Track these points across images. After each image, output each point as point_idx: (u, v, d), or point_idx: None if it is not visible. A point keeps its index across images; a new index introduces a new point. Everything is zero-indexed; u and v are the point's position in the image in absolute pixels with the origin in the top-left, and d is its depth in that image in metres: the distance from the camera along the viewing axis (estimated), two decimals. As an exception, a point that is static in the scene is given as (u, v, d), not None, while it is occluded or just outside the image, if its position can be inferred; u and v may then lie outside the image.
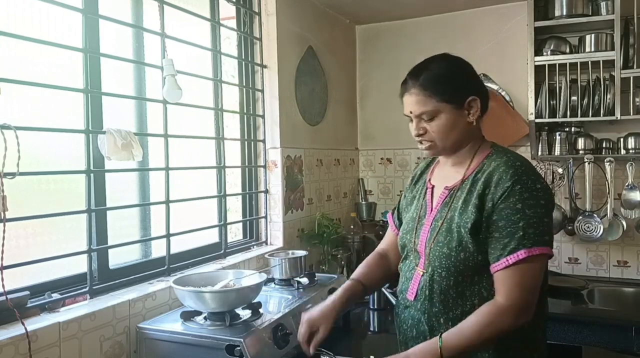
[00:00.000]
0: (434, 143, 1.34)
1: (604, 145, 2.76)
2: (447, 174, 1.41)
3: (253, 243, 2.47)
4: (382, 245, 1.64)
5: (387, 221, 1.72)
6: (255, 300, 1.67)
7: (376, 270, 1.56)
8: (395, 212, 1.62)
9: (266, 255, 2.15)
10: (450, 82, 1.32)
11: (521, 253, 1.19)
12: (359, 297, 1.49)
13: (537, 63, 2.73)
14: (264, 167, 2.52)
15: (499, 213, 1.23)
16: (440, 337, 1.22)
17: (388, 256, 1.60)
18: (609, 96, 2.60)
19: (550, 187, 2.76)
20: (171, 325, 1.60)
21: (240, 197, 2.48)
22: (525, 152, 2.90)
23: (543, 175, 2.76)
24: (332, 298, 1.45)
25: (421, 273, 1.35)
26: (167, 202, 1.88)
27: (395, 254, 1.56)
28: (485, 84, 2.89)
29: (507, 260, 1.20)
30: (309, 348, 1.39)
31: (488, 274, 1.26)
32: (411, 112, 1.35)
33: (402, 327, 1.42)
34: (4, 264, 1.28)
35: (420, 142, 1.37)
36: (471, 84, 1.36)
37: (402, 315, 1.42)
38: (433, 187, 1.44)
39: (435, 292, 1.31)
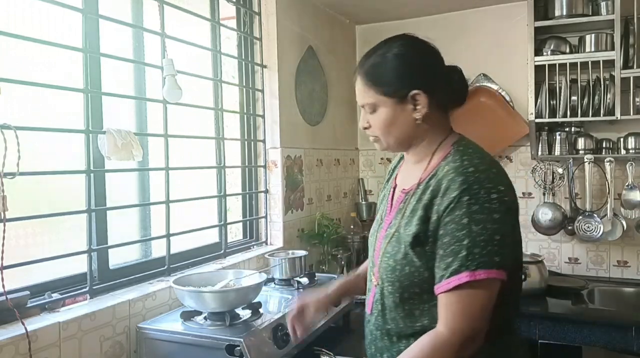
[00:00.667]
0: (378, 137, 1.21)
1: (604, 145, 2.75)
2: (409, 174, 1.24)
3: (253, 243, 2.47)
4: None
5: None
6: (255, 300, 1.68)
7: None
8: None
9: (266, 255, 2.15)
10: (390, 72, 1.16)
11: (463, 277, 1.02)
12: (361, 290, 1.38)
13: (537, 63, 2.73)
14: (264, 167, 2.52)
15: (444, 227, 1.07)
16: None
17: None
18: (609, 96, 2.60)
19: (549, 190, 2.78)
20: (171, 325, 1.60)
21: (240, 197, 2.48)
22: (525, 152, 2.91)
23: (543, 176, 2.79)
24: (328, 287, 1.40)
25: (375, 284, 1.22)
26: (167, 202, 1.88)
27: None
28: (485, 84, 2.93)
29: (449, 283, 1.04)
30: (295, 336, 1.36)
31: None
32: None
33: (365, 342, 1.29)
34: (4, 264, 1.28)
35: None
36: (418, 75, 1.16)
37: (365, 330, 1.29)
38: (395, 187, 1.29)
39: (387, 307, 1.18)
